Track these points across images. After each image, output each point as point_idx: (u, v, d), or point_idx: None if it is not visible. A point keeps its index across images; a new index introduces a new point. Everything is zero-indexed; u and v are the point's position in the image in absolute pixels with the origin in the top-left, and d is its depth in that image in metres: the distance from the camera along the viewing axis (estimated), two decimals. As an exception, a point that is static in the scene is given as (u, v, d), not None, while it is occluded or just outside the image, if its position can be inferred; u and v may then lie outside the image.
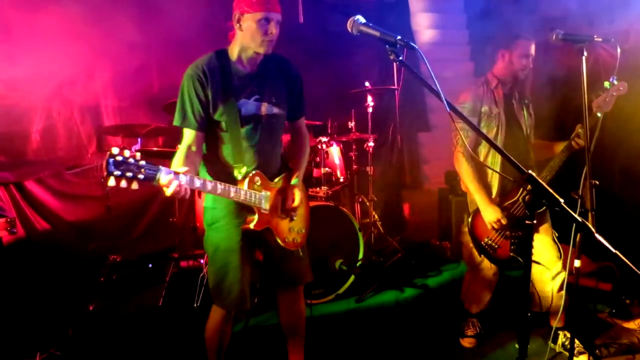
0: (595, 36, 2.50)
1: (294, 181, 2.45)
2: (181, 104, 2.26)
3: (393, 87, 4.65)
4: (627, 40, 4.48)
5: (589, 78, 2.47)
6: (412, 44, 1.76)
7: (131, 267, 4.33)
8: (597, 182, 2.48)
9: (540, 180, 1.58)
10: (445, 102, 1.72)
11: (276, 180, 2.40)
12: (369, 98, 4.45)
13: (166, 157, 4.13)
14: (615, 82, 2.83)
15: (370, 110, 4.48)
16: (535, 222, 1.61)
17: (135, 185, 1.75)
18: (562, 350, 3.10)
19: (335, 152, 4.23)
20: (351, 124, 4.63)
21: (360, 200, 4.76)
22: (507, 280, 3.54)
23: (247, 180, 2.23)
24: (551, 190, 1.59)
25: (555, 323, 3.04)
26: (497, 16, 4.97)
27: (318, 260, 4.02)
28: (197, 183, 2.00)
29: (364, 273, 4.14)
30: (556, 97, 4.28)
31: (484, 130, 3.03)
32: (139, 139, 4.15)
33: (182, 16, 4.51)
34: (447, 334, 3.40)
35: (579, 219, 1.58)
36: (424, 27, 6.61)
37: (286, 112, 2.45)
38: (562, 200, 1.59)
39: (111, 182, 1.70)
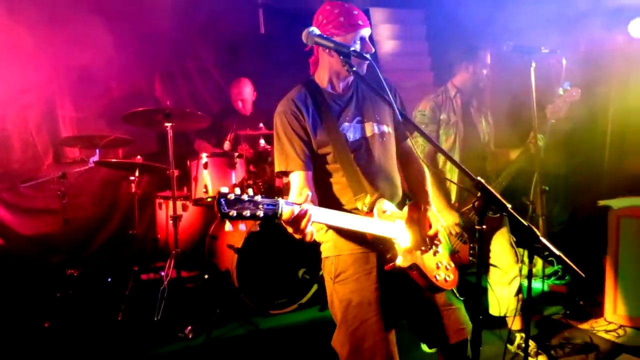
0: (542, 47, 2.61)
1: (427, 209, 2.08)
2: (280, 146, 1.99)
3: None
4: (578, 50, 4.69)
5: (548, 85, 2.59)
6: (365, 55, 1.80)
7: (90, 281, 4.23)
8: (547, 188, 2.58)
9: (488, 187, 1.63)
10: (397, 111, 1.77)
11: (404, 209, 2.01)
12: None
13: (126, 169, 4.07)
14: (569, 89, 2.95)
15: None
16: (484, 227, 1.65)
17: (256, 227, 1.52)
18: (518, 352, 3.18)
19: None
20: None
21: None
22: (467, 285, 3.61)
23: (375, 209, 1.91)
24: (498, 196, 1.64)
25: (511, 325, 3.12)
26: (456, 28, 5.10)
27: (281, 269, 4.02)
28: (323, 214, 1.70)
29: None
30: (514, 105, 4.42)
31: (443, 138, 3.11)
32: (97, 150, 4.08)
33: (143, 25, 4.48)
34: (410, 339, 3.43)
35: (525, 223, 1.64)
36: (385, 37, 6.73)
37: (393, 130, 2.17)
38: (509, 206, 1.65)
39: (228, 226, 1.49)
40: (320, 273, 4.10)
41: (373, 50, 2.02)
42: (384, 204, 1.95)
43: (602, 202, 3.71)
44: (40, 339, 3.47)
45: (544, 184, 2.87)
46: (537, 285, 4.50)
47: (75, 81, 4.43)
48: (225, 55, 5.12)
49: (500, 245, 3.15)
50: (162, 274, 3.92)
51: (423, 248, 1.98)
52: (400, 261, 1.88)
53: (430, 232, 2.00)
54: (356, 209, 1.98)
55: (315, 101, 2.02)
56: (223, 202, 1.45)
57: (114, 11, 4.37)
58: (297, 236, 1.66)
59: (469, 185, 1.66)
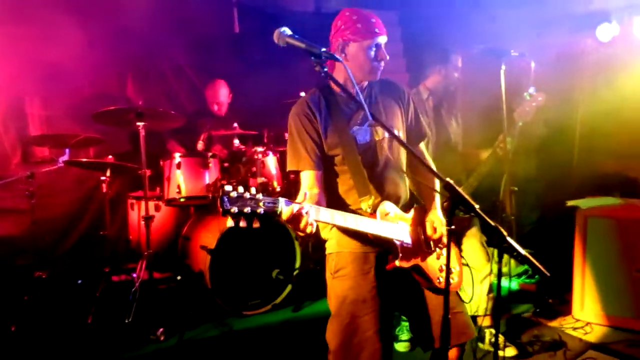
0: (512, 51, 2.66)
1: (432, 212, 2.15)
2: (293, 145, 2.09)
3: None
4: (548, 54, 4.79)
5: (516, 89, 2.63)
6: (336, 57, 1.81)
7: (59, 284, 4.13)
8: (516, 189, 2.64)
9: (457, 187, 1.66)
10: (369, 113, 1.79)
11: (410, 212, 2.12)
12: (305, 108, 4.49)
13: (97, 169, 4.00)
14: (534, 93, 3.01)
15: (306, 119, 4.52)
16: (453, 227, 1.68)
17: (256, 223, 1.57)
18: (490, 349, 3.23)
19: (271, 162, 4.24)
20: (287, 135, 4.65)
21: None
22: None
23: (378, 211, 1.99)
24: (467, 197, 1.67)
25: (482, 323, 3.17)
26: (430, 31, 5.16)
27: (254, 270, 4.01)
28: (324, 213, 1.78)
29: (301, 282, 4.16)
30: (485, 107, 4.50)
31: None
32: (67, 150, 4.00)
33: (115, 22, 4.41)
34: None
35: (492, 223, 1.67)
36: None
37: (404, 136, 2.23)
38: (477, 206, 1.68)
39: (229, 222, 1.55)
40: (295, 273, 4.12)
41: (387, 57, 2.10)
42: (387, 206, 2.03)
43: (570, 203, 3.80)
44: (6, 343, 3.38)
45: (514, 185, 2.93)
46: (509, 283, 4.60)
47: (45, 79, 4.31)
48: (200, 55, 5.07)
49: (471, 245, 3.19)
50: (134, 275, 3.86)
51: (426, 250, 2.06)
52: (401, 262, 1.96)
53: (435, 236, 2.09)
54: (361, 209, 2.04)
55: (328, 104, 2.10)
56: (226, 199, 1.53)
57: (84, 8, 4.28)
58: (300, 233, 1.75)
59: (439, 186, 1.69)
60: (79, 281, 4.23)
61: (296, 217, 1.66)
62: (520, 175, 4.39)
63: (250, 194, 1.58)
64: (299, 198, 1.77)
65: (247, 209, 1.55)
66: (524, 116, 3.03)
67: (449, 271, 1.71)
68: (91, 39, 4.34)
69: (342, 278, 2.08)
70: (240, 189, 1.57)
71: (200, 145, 4.46)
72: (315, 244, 4.69)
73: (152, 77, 5.03)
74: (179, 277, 4.04)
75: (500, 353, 3.14)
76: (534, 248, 4.52)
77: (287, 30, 1.85)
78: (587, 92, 4.70)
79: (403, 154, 2.22)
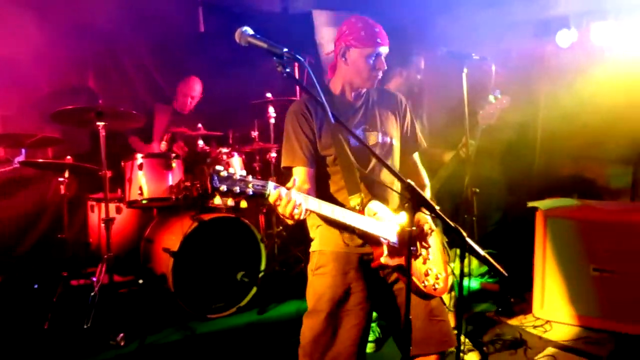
0: (473, 54, 2.69)
1: (420, 214, 2.14)
2: (288, 142, 2.12)
3: (295, 98, 4.70)
4: (510, 59, 4.89)
5: (481, 91, 2.67)
6: (298, 57, 1.79)
7: (14, 288, 3.99)
8: (478, 190, 2.68)
9: (417, 188, 1.67)
10: (330, 114, 1.77)
11: (399, 213, 2.11)
12: (271, 109, 4.48)
13: (55, 170, 3.87)
14: (499, 96, 3.06)
15: (272, 121, 4.51)
16: (415, 228, 1.69)
17: (244, 204, 1.58)
18: (452, 350, 3.26)
19: (236, 163, 4.19)
20: (254, 134, 4.63)
21: (264, 211, 4.74)
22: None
23: (366, 208, 2.01)
24: (427, 198, 1.68)
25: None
26: (396, 33, 5.20)
27: (219, 273, 3.95)
28: (312, 202, 1.81)
29: (267, 284, 4.13)
30: (449, 109, 4.56)
31: None
32: (23, 150, 3.86)
33: (74, 18, 4.29)
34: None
35: (452, 224, 1.68)
36: (328, 40, 6.74)
37: (399, 144, 2.27)
38: (437, 207, 1.69)
39: (217, 200, 1.56)
40: (260, 275, 4.09)
41: (385, 67, 2.14)
42: (376, 205, 2.04)
43: (530, 203, 3.88)
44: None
45: (476, 187, 2.97)
46: (472, 283, 4.67)
47: (2, 79, 4.16)
48: (164, 53, 4.98)
49: (433, 246, 3.21)
50: (94, 279, 3.75)
51: (417, 252, 2.08)
52: (387, 260, 1.96)
53: (424, 239, 2.11)
54: (350, 206, 2.06)
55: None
56: (215, 177, 1.57)
57: (43, 3, 4.14)
58: (288, 221, 1.77)
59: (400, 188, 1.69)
60: (36, 285, 4.09)
61: (283, 201, 1.69)
62: (483, 177, 4.46)
63: (240, 175, 1.62)
64: (289, 184, 1.78)
65: (236, 189, 1.59)
66: (487, 119, 3.07)
67: (409, 271, 1.72)
68: (50, 35, 4.19)
69: (322, 276, 2.10)
70: (231, 169, 1.62)
71: (163, 146, 4.38)
72: (281, 246, 4.67)
73: (115, 75, 4.91)
74: (140, 281, 3.95)
75: (465, 357, 3.18)
76: (496, 248, 4.61)
77: (249, 30, 1.81)
78: (547, 96, 4.82)
79: (396, 161, 2.26)
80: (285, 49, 1.77)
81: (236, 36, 1.82)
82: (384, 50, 2.14)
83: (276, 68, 1.80)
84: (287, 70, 1.79)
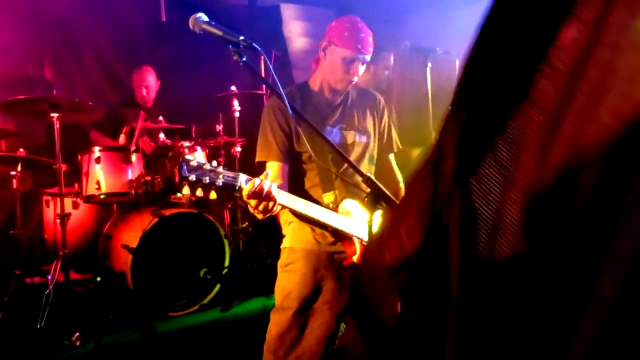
0: (437, 48, 2.68)
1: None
2: (263, 137, 2.10)
3: (260, 92, 4.63)
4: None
5: (449, 88, 2.64)
6: (255, 46, 1.73)
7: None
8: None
9: (377, 182, 1.64)
10: (288, 105, 1.73)
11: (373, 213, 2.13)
12: (236, 102, 4.39)
13: (7, 163, 3.71)
14: None
15: (237, 114, 4.42)
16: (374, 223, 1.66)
17: (213, 195, 1.51)
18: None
19: (200, 157, 4.08)
20: (219, 127, 4.53)
21: (229, 206, 4.65)
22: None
23: (340, 206, 2.00)
24: (387, 192, 1.65)
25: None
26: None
27: (181, 270, 3.86)
28: (285, 197, 1.78)
29: (231, 281, 4.05)
30: (417, 105, 4.57)
31: None
32: (-28, 143, 3.68)
33: (30, 5, 4.11)
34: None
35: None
36: (296, 34, 6.68)
37: (375, 144, 2.28)
38: (398, 201, 1.66)
39: (185, 190, 1.52)
40: (224, 272, 4.01)
41: (358, 75, 2.12)
42: (349, 204, 2.02)
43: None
44: None
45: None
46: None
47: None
48: (124, 43, 4.83)
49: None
50: (48, 277, 3.59)
51: None
52: (359, 258, 1.95)
53: None
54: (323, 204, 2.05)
55: (303, 102, 2.14)
56: (185, 166, 1.55)
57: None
58: (258, 215, 1.75)
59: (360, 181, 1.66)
60: (-14, 284, 3.91)
61: (257, 194, 1.65)
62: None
63: (211, 166, 1.60)
64: (262, 176, 1.74)
65: (206, 179, 1.56)
66: None
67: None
68: (3, 20, 4.01)
69: (291, 272, 2.09)
70: (202, 159, 1.62)
71: (122, 139, 4.24)
72: (247, 242, 4.59)
73: (72, 65, 4.73)
74: (98, 279, 3.82)
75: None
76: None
77: (203, 16, 1.75)
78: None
79: (372, 160, 2.26)
80: (242, 37, 1.71)
81: (190, 23, 1.76)
82: (362, 58, 2.11)
83: (232, 57, 1.74)
84: (244, 59, 1.73)
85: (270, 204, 1.69)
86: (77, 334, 3.22)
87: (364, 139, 2.21)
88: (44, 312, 3.33)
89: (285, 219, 2.18)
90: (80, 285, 3.94)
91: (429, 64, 2.66)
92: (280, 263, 2.17)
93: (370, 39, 2.13)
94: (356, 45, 2.07)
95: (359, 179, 2.09)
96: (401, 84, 4.53)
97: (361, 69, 2.13)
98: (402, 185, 2.38)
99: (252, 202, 1.68)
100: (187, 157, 1.57)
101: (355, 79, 2.15)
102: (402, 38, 4.46)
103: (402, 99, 4.95)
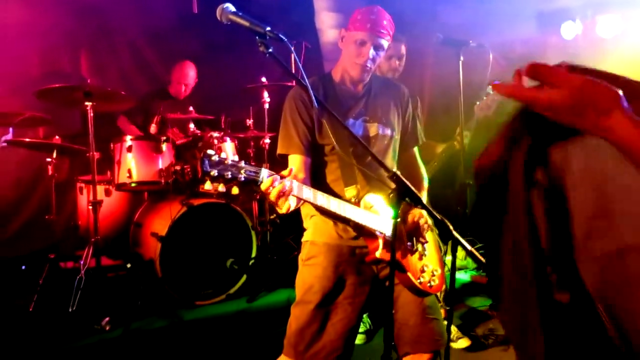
0: (470, 41, 2.60)
1: (415, 210, 2.05)
2: (285, 129, 2.06)
3: (290, 84, 4.60)
4: (512, 50, 4.79)
5: (480, 82, 2.58)
6: (282, 37, 1.70)
7: (1, 269, 3.95)
8: (471, 182, 2.60)
9: (403, 178, 1.59)
10: (314, 98, 1.70)
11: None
12: (265, 94, 4.39)
13: (43, 150, 3.81)
14: None
15: (266, 106, 4.42)
16: (399, 219, 1.62)
17: (235, 190, 1.52)
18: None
19: (229, 148, 4.11)
20: (249, 122, 4.55)
21: (257, 198, 4.67)
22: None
23: (362, 201, 1.96)
24: (413, 188, 1.61)
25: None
26: (399, 19, 5.10)
27: (208, 259, 3.90)
28: (307, 191, 1.75)
29: (257, 272, 4.07)
30: (445, 99, 4.48)
31: None
32: (10, 129, 3.79)
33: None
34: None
35: (438, 216, 1.61)
36: (328, 26, 6.62)
37: (399, 136, 2.21)
38: (423, 198, 1.62)
39: (207, 185, 1.50)
40: (250, 263, 4.03)
41: (368, 57, 2.03)
42: (372, 198, 1.97)
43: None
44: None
45: (470, 178, 2.90)
46: (463, 276, 4.61)
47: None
48: (156, 34, 4.88)
49: (429, 241, 3.15)
50: (81, 262, 3.69)
51: (408, 247, 2.01)
52: (382, 254, 1.89)
53: (420, 234, 2.03)
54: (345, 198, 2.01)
55: (326, 93, 2.08)
56: (207, 161, 1.52)
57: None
58: (279, 210, 1.71)
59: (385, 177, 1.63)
60: (23, 267, 4.04)
61: (276, 190, 1.62)
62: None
63: (233, 160, 1.57)
64: (284, 172, 1.72)
65: (228, 174, 1.54)
66: (485, 110, 2.99)
67: (394, 263, 1.65)
68: (41, 12, 4.11)
69: (312, 266, 2.05)
70: (223, 154, 1.57)
71: (153, 129, 4.29)
72: (274, 234, 4.60)
73: (107, 56, 4.82)
74: (128, 265, 3.89)
75: (454, 345, 3.13)
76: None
77: (231, 7, 1.72)
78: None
79: (395, 153, 2.20)
80: (268, 28, 1.69)
81: (217, 13, 1.73)
82: (376, 40, 2.02)
83: (258, 47, 1.72)
84: (270, 50, 1.71)
85: (290, 200, 1.67)
86: (107, 318, 3.31)
87: (387, 131, 2.14)
88: (75, 296, 3.43)
89: (306, 212, 2.14)
90: (112, 271, 4.03)
91: (462, 57, 2.58)
92: (301, 257, 2.13)
93: (385, 22, 2.04)
94: (366, 25, 2.00)
95: (382, 172, 2.05)
96: (432, 77, 4.46)
97: (373, 52, 2.03)
98: (425, 181, 2.31)
99: (272, 198, 1.66)
100: (209, 151, 1.54)
101: (369, 63, 2.06)
102: (435, 30, 4.39)
103: (432, 92, 4.87)
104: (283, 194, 1.64)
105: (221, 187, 1.45)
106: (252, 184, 1.60)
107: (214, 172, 1.52)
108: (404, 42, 3.06)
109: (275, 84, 4.49)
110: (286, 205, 1.70)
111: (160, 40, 4.95)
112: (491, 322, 3.60)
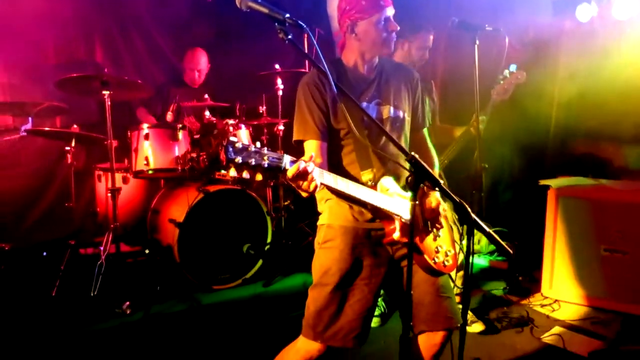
0: (486, 25, 2.59)
1: (432, 193, 2.09)
2: (300, 115, 2.06)
3: (304, 70, 4.61)
4: (527, 34, 4.74)
5: (496, 66, 2.57)
6: (301, 23, 1.72)
7: (22, 256, 4.03)
8: (487, 166, 2.61)
9: (421, 162, 1.61)
10: (333, 84, 1.71)
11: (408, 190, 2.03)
12: (279, 81, 4.40)
13: (61, 138, 3.87)
14: (515, 71, 2.96)
15: (280, 93, 4.43)
16: (417, 202, 1.64)
17: (259, 176, 1.53)
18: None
19: (243, 135, 4.14)
20: (262, 109, 4.58)
21: (271, 184, 4.71)
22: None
23: (379, 184, 1.98)
24: (432, 172, 1.62)
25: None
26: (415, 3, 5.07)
27: (224, 244, 3.95)
28: (328, 177, 1.77)
29: (273, 257, 4.12)
30: (462, 83, 4.46)
31: None
32: (30, 118, 3.84)
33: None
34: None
35: (457, 199, 1.63)
36: (340, 12, 6.60)
37: (410, 118, 2.23)
38: (442, 182, 1.64)
39: (232, 172, 1.51)
40: (266, 248, 4.08)
41: (398, 28, 2.07)
42: (388, 182, 1.99)
43: (542, 182, 3.80)
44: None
45: (487, 163, 2.91)
46: (481, 261, 4.63)
47: (6, 45, 4.12)
48: (170, 22, 4.89)
49: (443, 223, 3.17)
50: (101, 248, 3.77)
51: (423, 229, 2.04)
52: (398, 236, 1.92)
53: (434, 215, 2.06)
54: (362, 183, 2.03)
55: (339, 77, 2.08)
56: (230, 148, 1.51)
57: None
58: (303, 194, 1.72)
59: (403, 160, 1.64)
60: (44, 253, 4.13)
61: (302, 175, 1.64)
62: (495, 153, 4.36)
63: (256, 147, 1.56)
64: (305, 157, 1.71)
65: (252, 161, 1.53)
66: (501, 94, 2.98)
67: (412, 245, 1.67)
68: (57, 2, 4.15)
69: (329, 249, 2.07)
70: (245, 141, 1.58)
71: (169, 117, 4.34)
72: (289, 219, 4.65)
73: (122, 45, 4.84)
74: (147, 251, 3.97)
75: (468, 329, 3.16)
76: (506, 226, 4.55)
77: (248, -6, 1.74)
78: (564, 72, 4.68)
79: (407, 136, 2.22)
80: (287, 15, 1.70)
81: (237, 0, 1.75)
82: (391, 11, 2.07)
83: (278, 34, 1.73)
84: (289, 36, 1.72)
85: (313, 184, 1.68)
86: (127, 303, 3.38)
87: (399, 113, 2.16)
88: (96, 281, 3.51)
89: (321, 196, 2.15)
90: (131, 257, 4.10)
91: (477, 41, 2.57)
92: (317, 240, 2.14)
93: None
94: (379, 3, 2.03)
95: (397, 154, 2.05)
96: (447, 60, 4.43)
97: (394, 22, 2.08)
98: (437, 163, 2.32)
99: (295, 183, 1.67)
100: (232, 138, 1.53)
101: (394, 35, 2.10)
102: (451, 14, 4.36)
103: (447, 76, 4.84)
104: (307, 180, 1.66)
105: (245, 174, 1.45)
106: (275, 170, 1.61)
107: (239, 159, 1.51)
108: (432, 32, 3.06)
109: (288, 71, 4.50)
110: (312, 187, 1.69)
111: (174, 29, 4.96)
112: (505, 306, 3.62)
